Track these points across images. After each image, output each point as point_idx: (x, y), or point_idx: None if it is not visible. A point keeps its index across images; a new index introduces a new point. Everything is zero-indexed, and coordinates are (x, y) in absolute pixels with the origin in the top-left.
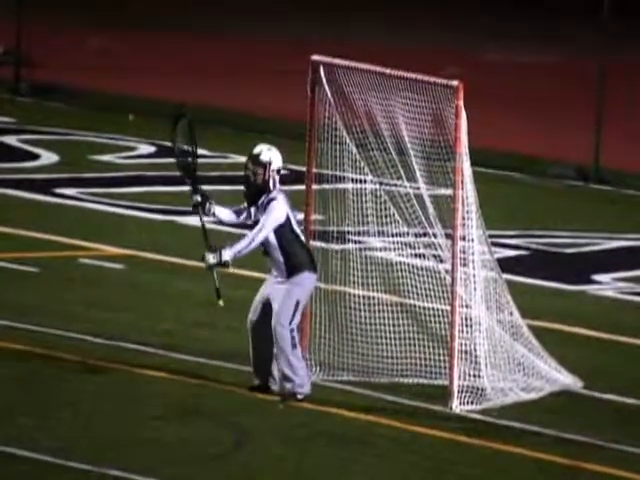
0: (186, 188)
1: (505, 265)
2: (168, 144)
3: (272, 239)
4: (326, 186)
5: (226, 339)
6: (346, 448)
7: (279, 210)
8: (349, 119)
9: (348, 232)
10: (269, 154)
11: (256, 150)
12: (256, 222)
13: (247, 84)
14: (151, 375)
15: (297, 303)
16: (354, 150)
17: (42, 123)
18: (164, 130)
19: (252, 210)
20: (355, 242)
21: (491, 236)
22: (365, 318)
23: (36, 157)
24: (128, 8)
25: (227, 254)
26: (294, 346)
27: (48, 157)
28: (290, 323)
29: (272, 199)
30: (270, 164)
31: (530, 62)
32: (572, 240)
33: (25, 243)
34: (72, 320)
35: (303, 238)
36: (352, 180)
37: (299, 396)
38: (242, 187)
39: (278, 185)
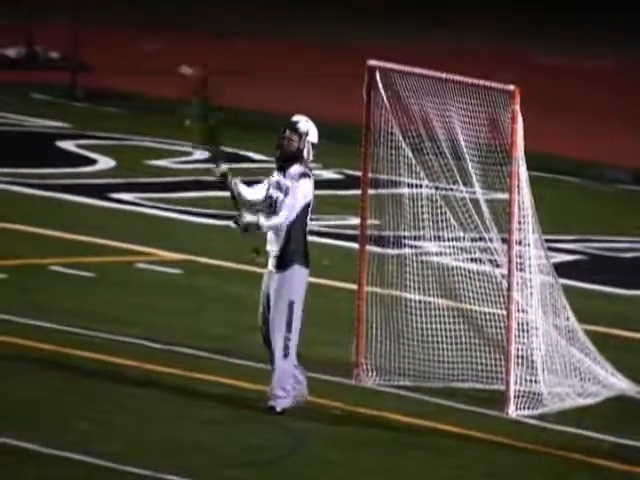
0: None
1: (562, 269)
2: (223, 149)
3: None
4: (382, 191)
5: None
6: (401, 453)
7: (308, 188)
8: (405, 124)
9: (404, 237)
10: (307, 125)
11: (294, 118)
12: (278, 186)
13: (300, 88)
14: (207, 380)
15: (291, 304)
16: (410, 155)
17: (99, 128)
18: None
19: (273, 180)
20: (411, 247)
21: (548, 240)
22: (421, 323)
23: (93, 162)
24: (185, 11)
25: (263, 222)
26: (285, 356)
27: (105, 162)
28: (287, 329)
29: (306, 174)
30: (307, 134)
31: (587, 66)
32: (629, 245)
33: (82, 248)
34: (128, 325)
35: (306, 231)
36: (408, 185)
37: (278, 408)
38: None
39: (311, 159)
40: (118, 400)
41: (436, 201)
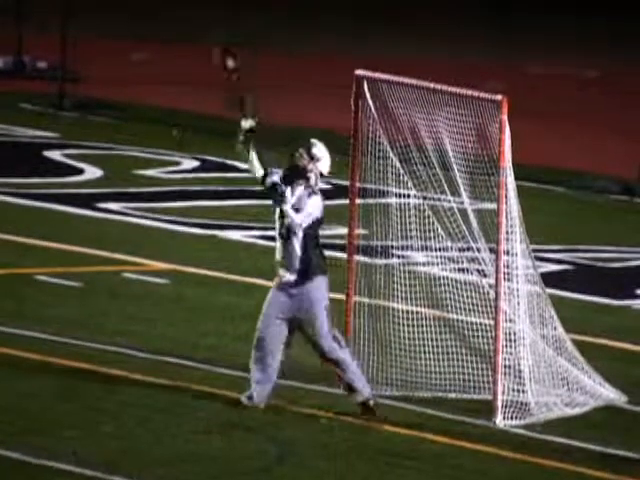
0: (230, 202)
1: (549, 279)
2: (212, 159)
3: (300, 233)
4: (370, 200)
5: None
6: (389, 463)
7: (320, 204)
8: (393, 133)
9: (392, 247)
10: (320, 154)
11: (312, 140)
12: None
13: (290, 97)
14: (195, 389)
15: (325, 308)
16: (398, 164)
17: (86, 138)
18: (208, 144)
19: (286, 190)
20: (399, 257)
21: (535, 250)
22: (408, 333)
23: (80, 172)
24: (173, 22)
25: (288, 208)
26: (341, 347)
27: (92, 172)
28: (329, 330)
29: (315, 193)
30: (317, 160)
31: (574, 75)
32: (617, 255)
33: (69, 258)
34: (116, 334)
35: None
36: (396, 195)
37: (371, 402)
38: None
39: (319, 185)
40: (106, 410)
41: (424, 211)
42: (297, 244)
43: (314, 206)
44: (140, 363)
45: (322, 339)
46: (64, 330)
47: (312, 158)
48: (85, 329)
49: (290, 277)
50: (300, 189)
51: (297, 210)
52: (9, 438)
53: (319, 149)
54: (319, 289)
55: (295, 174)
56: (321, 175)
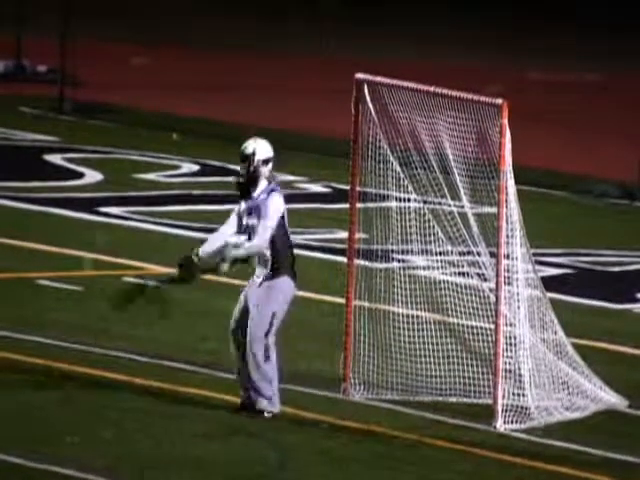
0: (230, 206)
1: (550, 283)
2: (212, 163)
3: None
4: (370, 204)
5: None
6: (390, 468)
7: (279, 201)
8: (393, 137)
9: (392, 251)
10: (253, 145)
11: (242, 147)
12: (250, 212)
13: (289, 102)
14: (195, 394)
15: (274, 314)
16: (398, 168)
17: (86, 142)
18: (208, 149)
19: (243, 208)
20: (399, 261)
21: (535, 254)
22: (409, 337)
23: (80, 176)
24: (173, 27)
25: (239, 252)
26: (267, 358)
27: (92, 176)
28: (266, 335)
29: (272, 190)
30: (254, 154)
31: (574, 79)
32: (617, 259)
33: (69, 262)
34: (116, 339)
35: (291, 241)
36: (396, 198)
37: (267, 414)
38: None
39: (270, 176)
40: (106, 414)
41: (424, 215)
42: (266, 248)
43: (273, 209)
44: (140, 367)
45: (252, 341)
46: (65, 334)
47: (248, 158)
48: (85, 333)
49: (263, 275)
50: (257, 190)
51: (259, 214)
52: (9, 443)
53: (249, 145)
54: (282, 290)
55: (247, 187)
56: (265, 162)
